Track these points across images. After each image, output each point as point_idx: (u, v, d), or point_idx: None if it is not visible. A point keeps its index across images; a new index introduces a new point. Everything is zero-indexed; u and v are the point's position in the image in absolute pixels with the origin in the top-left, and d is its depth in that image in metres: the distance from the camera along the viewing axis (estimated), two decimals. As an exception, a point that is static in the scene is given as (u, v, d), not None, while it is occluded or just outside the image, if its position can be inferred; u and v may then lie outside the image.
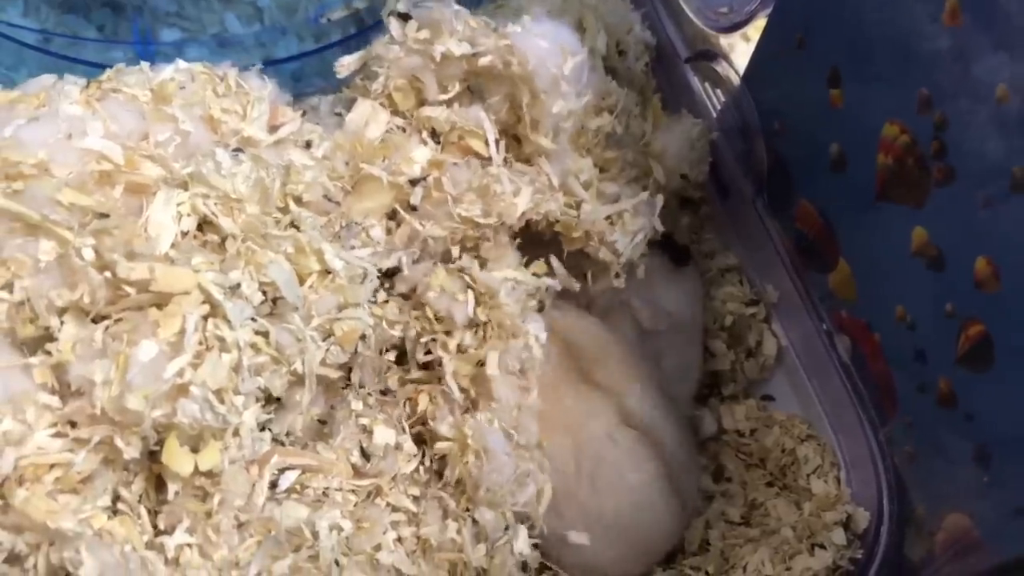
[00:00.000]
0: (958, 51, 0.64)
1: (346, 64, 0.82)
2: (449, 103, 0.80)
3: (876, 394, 0.80)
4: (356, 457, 0.75)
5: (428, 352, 0.77)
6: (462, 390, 0.76)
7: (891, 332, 0.77)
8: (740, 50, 0.99)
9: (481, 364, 0.75)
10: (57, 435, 0.59)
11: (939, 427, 0.73)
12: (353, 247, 0.75)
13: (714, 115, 0.94)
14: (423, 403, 0.77)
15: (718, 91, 0.94)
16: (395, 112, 0.81)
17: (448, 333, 0.76)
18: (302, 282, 0.70)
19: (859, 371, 0.82)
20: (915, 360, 0.74)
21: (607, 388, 0.81)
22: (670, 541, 0.83)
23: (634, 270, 0.84)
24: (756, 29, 0.90)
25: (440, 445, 0.75)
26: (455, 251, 0.79)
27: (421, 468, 0.77)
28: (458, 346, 0.76)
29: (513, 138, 0.81)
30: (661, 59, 0.99)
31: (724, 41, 0.97)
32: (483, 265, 0.79)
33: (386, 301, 0.78)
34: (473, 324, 0.77)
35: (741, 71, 0.91)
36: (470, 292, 0.77)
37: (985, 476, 0.67)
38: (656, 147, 0.88)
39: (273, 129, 0.74)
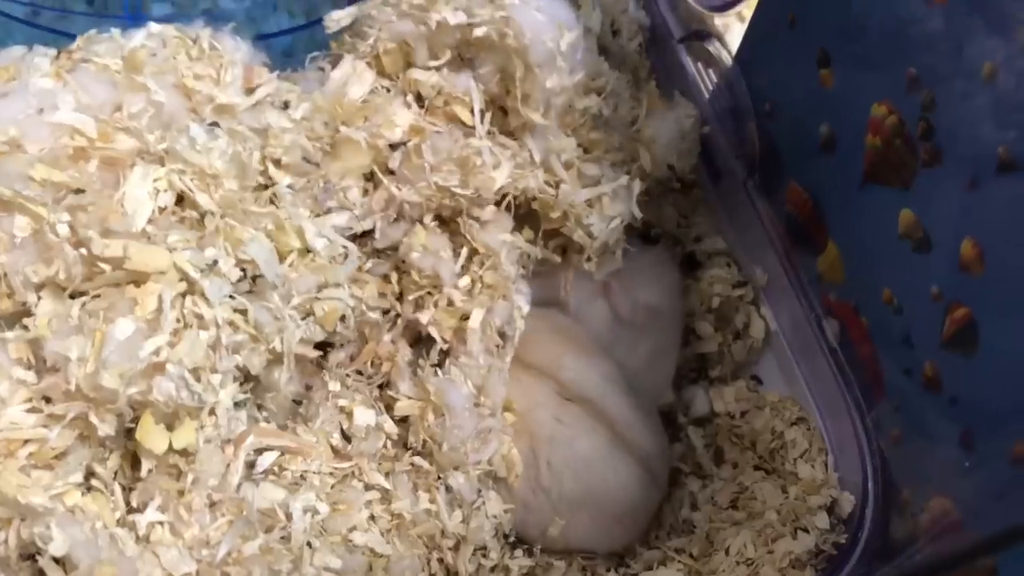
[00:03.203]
0: (946, 30, 0.63)
1: (336, 19, 0.81)
2: (438, 68, 0.79)
3: (863, 378, 0.80)
4: (336, 439, 0.75)
5: (418, 308, 0.77)
6: (445, 340, 0.76)
7: (878, 315, 0.76)
8: (735, 31, 0.98)
9: (465, 318, 0.76)
10: (32, 410, 0.59)
11: (924, 411, 0.72)
12: (330, 209, 0.74)
13: (706, 96, 0.93)
14: (385, 367, 0.77)
15: (711, 72, 0.93)
16: (381, 73, 0.80)
17: (436, 288, 0.76)
18: (282, 260, 0.70)
19: (847, 354, 0.81)
20: (902, 344, 0.73)
21: (540, 367, 0.81)
22: (646, 506, 0.83)
23: (611, 255, 0.84)
24: (751, 9, 0.89)
25: (401, 405, 0.76)
26: (428, 219, 0.78)
27: (388, 442, 0.77)
28: (448, 301, 0.76)
29: (499, 109, 0.81)
30: (655, 39, 0.97)
31: (719, 21, 0.96)
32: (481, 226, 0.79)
33: (368, 272, 0.78)
34: (462, 276, 0.78)
35: (734, 52, 0.90)
36: (463, 250, 0.78)
37: (968, 460, 0.67)
38: (647, 134, 0.87)
39: (249, 91, 0.73)
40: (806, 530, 0.79)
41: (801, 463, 0.83)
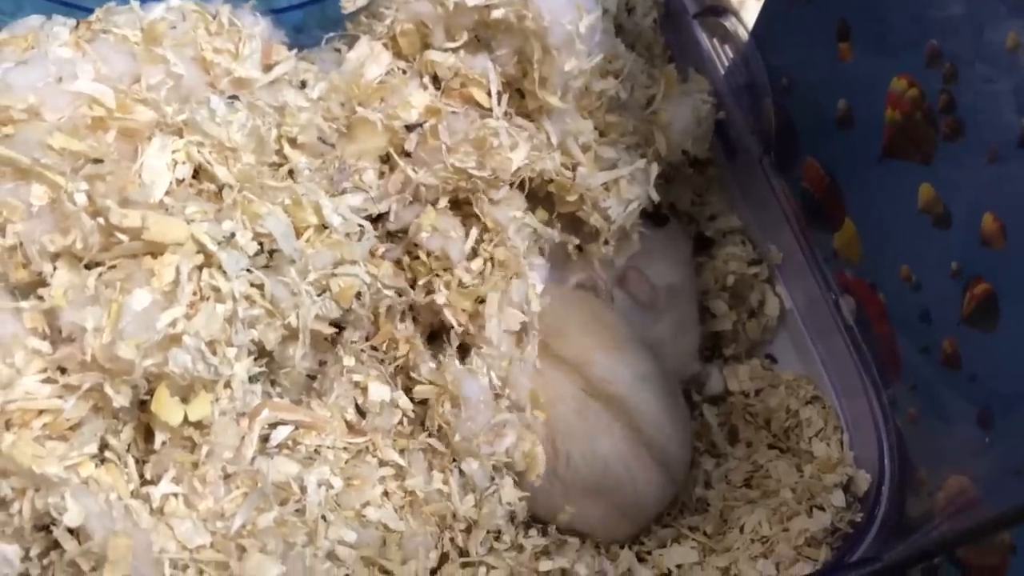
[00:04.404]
0: (968, 1, 0.63)
1: None
2: (455, 50, 0.78)
3: (880, 356, 0.79)
4: (351, 414, 0.75)
5: (428, 292, 0.77)
6: (460, 324, 0.75)
7: (896, 292, 0.76)
8: (751, 6, 0.97)
9: (481, 301, 0.75)
10: (47, 381, 0.59)
11: (943, 389, 0.72)
12: (345, 190, 0.74)
13: (722, 72, 0.93)
14: (403, 349, 0.77)
15: (727, 47, 0.93)
16: (398, 55, 0.80)
17: (446, 270, 0.76)
18: (299, 235, 0.69)
19: (863, 333, 0.81)
20: (920, 321, 0.73)
21: (570, 360, 0.80)
22: (658, 503, 0.83)
23: (628, 239, 0.83)
24: (767, -16, 0.89)
25: (420, 388, 0.75)
26: (443, 201, 0.78)
27: (405, 420, 0.77)
28: (459, 282, 0.76)
29: (516, 91, 0.80)
30: (669, 15, 0.97)
31: (734, -4, 0.96)
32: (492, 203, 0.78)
33: (382, 257, 0.78)
34: (473, 258, 0.77)
35: (750, 27, 0.90)
36: (473, 230, 0.77)
37: (987, 438, 0.66)
38: (663, 118, 0.86)
39: (267, 68, 0.72)
40: (822, 508, 0.78)
41: (816, 441, 0.83)
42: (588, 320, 0.83)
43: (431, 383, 0.75)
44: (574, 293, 0.85)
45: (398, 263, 0.79)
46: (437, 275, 0.77)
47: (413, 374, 0.77)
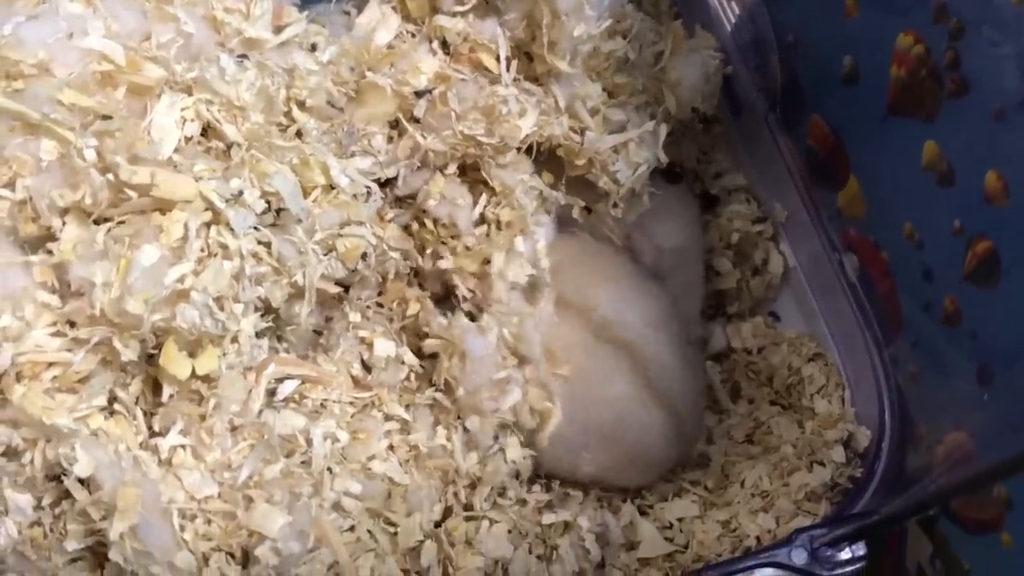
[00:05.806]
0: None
1: None
2: (464, 14, 0.78)
3: (882, 313, 0.80)
4: (357, 369, 0.76)
5: (439, 258, 0.77)
6: (469, 290, 0.76)
7: (899, 250, 0.76)
8: (758, -38, 0.96)
9: (487, 261, 0.75)
10: (56, 334, 0.60)
11: (943, 346, 0.72)
12: (354, 153, 0.75)
13: (728, 29, 0.92)
14: (413, 308, 0.77)
15: (733, 4, 0.92)
16: (407, 18, 0.80)
17: (454, 238, 0.76)
18: (306, 195, 0.70)
19: (866, 290, 0.81)
20: (922, 278, 0.73)
21: (577, 305, 0.79)
22: (669, 451, 0.82)
23: (637, 200, 0.83)
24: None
25: (429, 343, 0.76)
26: (452, 167, 0.78)
27: (412, 375, 0.77)
28: (466, 247, 0.76)
29: (525, 54, 0.80)
30: (675, -30, 0.96)
31: (741, -48, 0.95)
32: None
33: (390, 221, 0.78)
34: (480, 223, 0.77)
35: (757, -18, 0.89)
36: (482, 197, 0.78)
37: (985, 394, 0.67)
38: (672, 76, 0.85)
39: (277, 30, 0.72)
40: (822, 464, 0.79)
41: (818, 398, 0.84)
42: (583, 257, 0.82)
43: (440, 338, 0.76)
44: (570, 236, 0.84)
45: (406, 229, 0.80)
46: (443, 242, 0.78)
47: (425, 329, 0.77)
